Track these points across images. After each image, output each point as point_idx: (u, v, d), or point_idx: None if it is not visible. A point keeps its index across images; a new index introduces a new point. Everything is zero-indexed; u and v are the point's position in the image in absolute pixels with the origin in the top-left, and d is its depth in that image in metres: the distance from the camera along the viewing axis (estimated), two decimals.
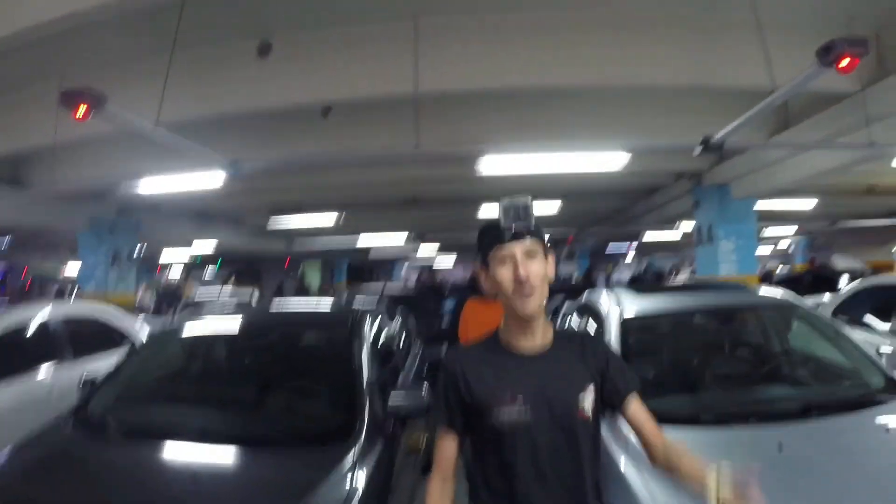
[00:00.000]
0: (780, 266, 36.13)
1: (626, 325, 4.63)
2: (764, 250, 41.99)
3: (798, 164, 10.26)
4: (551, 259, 2.17)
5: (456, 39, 6.72)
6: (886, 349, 4.81)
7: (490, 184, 12.11)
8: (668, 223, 18.89)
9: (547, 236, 2.15)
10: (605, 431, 3.67)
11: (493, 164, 8.47)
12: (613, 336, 4.53)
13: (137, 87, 6.62)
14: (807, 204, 16.41)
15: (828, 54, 4.55)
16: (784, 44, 6.37)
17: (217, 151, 7.20)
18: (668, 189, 15.30)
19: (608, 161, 8.60)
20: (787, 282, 17.23)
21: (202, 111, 7.33)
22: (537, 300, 2.09)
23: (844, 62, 4.54)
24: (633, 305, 4.92)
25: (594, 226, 24.27)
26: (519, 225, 2.12)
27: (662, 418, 3.60)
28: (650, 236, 23.95)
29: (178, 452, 3.51)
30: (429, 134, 7.81)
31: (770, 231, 26.72)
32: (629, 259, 42.10)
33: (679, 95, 8.46)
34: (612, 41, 6.76)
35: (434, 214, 19.02)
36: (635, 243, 31.72)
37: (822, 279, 16.21)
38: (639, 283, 23.59)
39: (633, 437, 3.39)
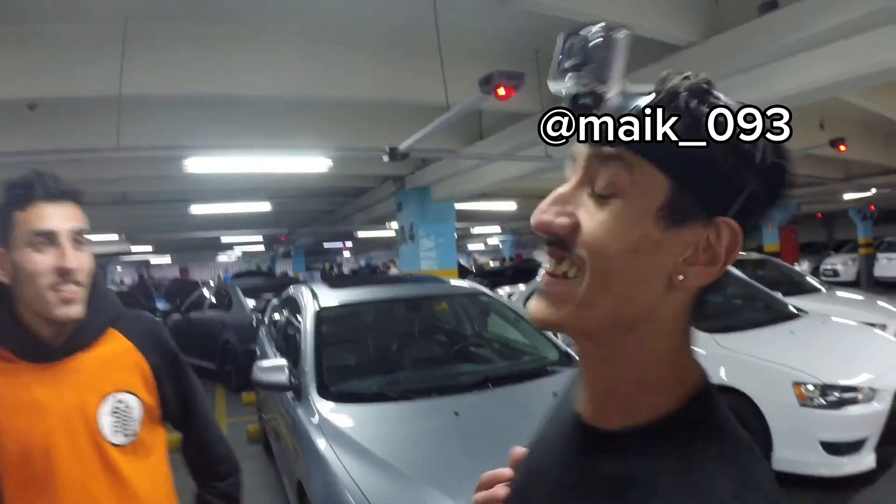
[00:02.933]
0: (492, 261, 39.19)
1: (319, 315, 4.99)
2: (478, 247, 45.35)
3: (491, 171, 11.27)
4: (706, 240, 0.77)
5: (164, 45, 6.74)
6: None
7: (198, 182, 12.17)
8: (378, 223, 19.77)
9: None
10: (302, 414, 4.08)
11: (199, 164, 8.55)
12: (309, 324, 4.87)
13: None
14: (508, 206, 17.99)
15: (488, 83, 5.25)
16: (468, 69, 7.05)
17: None
18: (375, 191, 16.14)
19: (311, 164, 9.05)
20: (493, 274, 18.72)
21: None
22: (572, 299, 0.79)
23: (501, 91, 5.25)
24: (327, 298, 5.34)
25: (306, 226, 24.89)
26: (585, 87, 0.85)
27: (358, 398, 4.14)
28: (364, 235, 24.80)
29: None
30: (131, 133, 7.74)
31: (480, 230, 29.08)
32: (347, 256, 43.40)
33: (377, 108, 9.08)
34: (313, 55, 7.14)
35: (145, 213, 18.50)
36: (349, 242, 32.70)
37: (524, 272, 17.81)
38: (346, 278, 24.63)
39: (333, 420, 3.83)
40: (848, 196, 21.30)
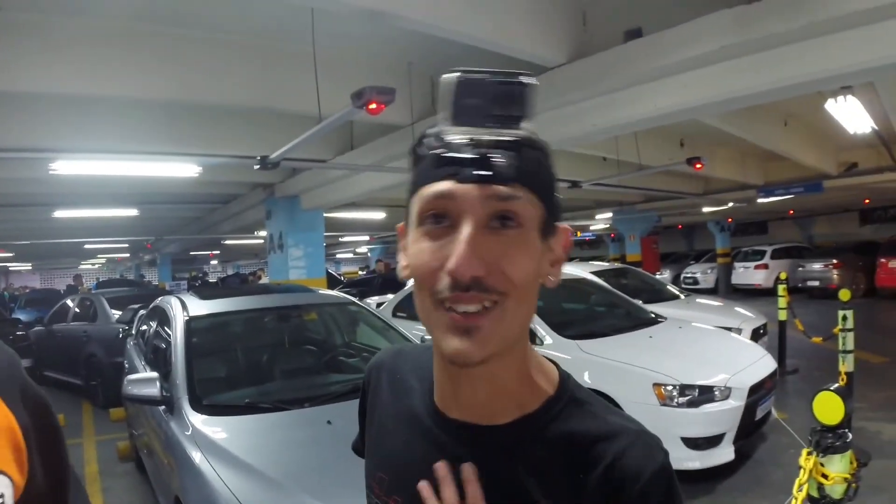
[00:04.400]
0: (360, 270, 39.46)
1: (189, 325, 5.00)
2: (347, 255, 45.40)
3: (361, 181, 11.36)
4: (562, 237, 0.96)
5: (37, 38, 6.40)
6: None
7: (63, 186, 11.78)
8: (247, 231, 19.57)
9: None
10: (175, 427, 4.08)
11: (67, 167, 8.29)
12: (179, 335, 4.87)
13: None
14: (377, 215, 18.46)
15: (359, 98, 5.39)
16: (342, 79, 7.24)
17: None
18: (244, 198, 15.96)
19: (181, 169, 8.93)
20: (361, 283, 18.79)
21: None
22: (496, 333, 0.87)
23: (373, 106, 5.41)
24: (196, 307, 5.34)
25: (173, 233, 24.35)
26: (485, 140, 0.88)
27: (231, 410, 4.16)
28: (232, 242, 24.45)
29: None
30: None
31: (349, 238, 29.39)
32: (214, 264, 42.65)
33: (249, 114, 9.05)
34: (183, 57, 7.05)
35: (4, 217, 17.53)
36: (217, 251, 32.15)
37: (391, 281, 17.96)
38: (214, 287, 24.21)
39: (207, 432, 3.85)
40: (707, 209, 22.60)
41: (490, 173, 0.84)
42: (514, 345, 0.92)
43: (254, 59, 7.40)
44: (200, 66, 7.14)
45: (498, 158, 0.84)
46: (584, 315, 8.05)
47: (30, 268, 44.27)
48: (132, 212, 15.50)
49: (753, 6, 5.14)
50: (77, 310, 12.34)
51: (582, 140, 8.95)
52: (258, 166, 7.85)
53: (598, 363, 6.07)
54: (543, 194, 0.89)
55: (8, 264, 39.68)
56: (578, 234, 34.96)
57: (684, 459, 5.46)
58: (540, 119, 4.09)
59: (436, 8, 5.46)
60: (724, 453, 5.60)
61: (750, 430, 5.96)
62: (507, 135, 0.86)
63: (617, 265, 12.39)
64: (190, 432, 3.91)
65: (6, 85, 6.43)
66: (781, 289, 9.87)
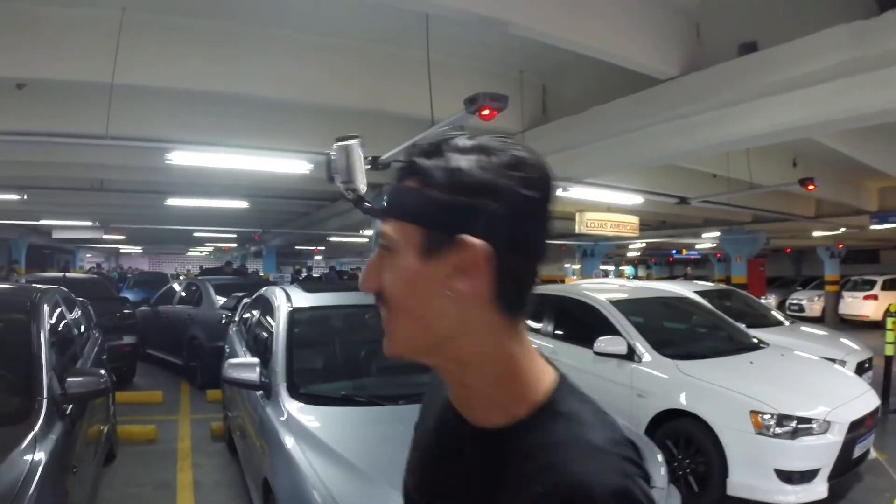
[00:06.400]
0: None
1: (292, 316, 5.13)
2: None
3: None
4: (464, 250, 0.93)
5: (160, 38, 6.80)
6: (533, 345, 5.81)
7: (177, 175, 12.21)
8: (353, 229, 19.85)
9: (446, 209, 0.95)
10: (271, 413, 4.18)
11: (183, 157, 8.62)
12: (282, 325, 4.99)
13: None
14: None
15: (472, 104, 5.41)
16: (454, 85, 7.29)
17: None
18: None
19: (292, 166, 9.14)
20: None
21: None
22: (393, 335, 1.02)
23: (486, 112, 5.43)
24: (300, 299, 5.48)
25: (280, 227, 25.07)
26: (344, 186, 1.32)
27: (327, 400, 4.23)
28: (337, 239, 24.83)
29: None
30: (119, 121, 7.79)
31: None
32: (318, 259, 43.51)
33: (361, 116, 9.21)
34: (301, 59, 7.29)
35: (121, 203, 18.45)
36: (321, 246, 32.76)
37: None
38: (317, 281, 24.64)
39: (301, 419, 3.93)
40: (817, 233, 21.69)
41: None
42: (445, 350, 1.00)
43: (368, 61, 7.55)
44: (316, 68, 7.35)
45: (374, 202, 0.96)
46: (685, 335, 7.86)
47: (140, 251, 46.10)
48: (242, 203, 15.96)
49: (872, 21, 4.95)
50: (183, 293, 12.82)
51: (692, 155, 8.80)
52: (369, 167, 7.98)
53: (696, 385, 5.90)
54: (419, 221, 0.96)
55: (119, 246, 41.42)
56: (684, 251, 34.18)
57: (775, 492, 5.28)
58: (650, 132, 4.09)
59: (547, 15, 5.45)
60: (818, 490, 5.36)
61: (846, 468, 5.67)
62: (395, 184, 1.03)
63: (721, 286, 12.04)
64: (285, 418, 4.01)
65: (130, 79, 6.76)
66: (891, 322, 9.40)
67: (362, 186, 0.90)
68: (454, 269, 0.94)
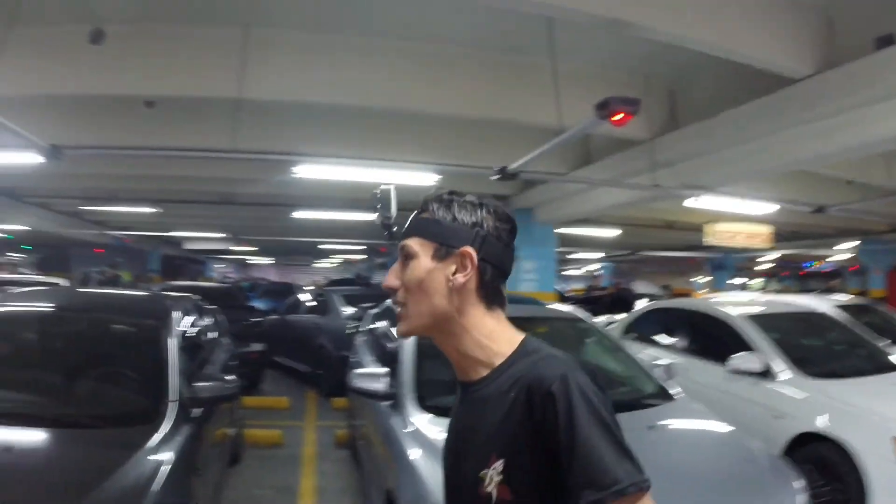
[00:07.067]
0: (588, 288, 38.83)
1: None
2: (574, 272, 45.03)
3: (596, 196, 11.18)
4: (459, 261, 1.41)
5: (284, 52, 6.95)
6: (663, 361, 5.53)
7: (303, 187, 12.43)
8: None
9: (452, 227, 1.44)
10: (397, 424, 4.08)
11: (309, 171, 8.74)
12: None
13: None
14: (610, 233, 17.91)
15: (604, 108, 5.19)
16: (579, 92, 7.07)
17: (32, 131, 6.99)
18: None
19: (419, 178, 9.08)
20: (591, 301, 18.54)
21: (30, 90, 7.07)
22: (407, 316, 1.46)
23: (618, 116, 5.19)
24: None
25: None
26: (378, 220, 1.86)
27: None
28: None
29: None
30: (247, 134, 7.97)
31: (580, 255, 29.07)
32: None
33: (486, 126, 9.11)
34: (426, 71, 7.29)
35: (249, 215, 19.04)
36: None
37: (621, 300, 17.53)
38: None
39: (428, 432, 3.83)
40: None
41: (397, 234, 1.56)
42: (442, 325, 1.43)
43: (490, 70, 7.49)
44: (440, 78, 7.34)
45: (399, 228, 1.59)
46: (823, 353, 7.31)
47: (271, 262, 47.67)
48: (371, 216, 16.09)
49: None
50: (311, 303, 13.04)
51: (828, 159, 8.24)
52: (497, 177, 7.86)
53: (834, 406, 5.47)
54: (435, 239, 1.44)
55: (246, 257, 42.96)
56: (819, 262, 32.45)
57: None
58: (784, 136, 3.72)
59: (673, 15, 5.24)
60: None
61: None
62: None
63: (859, 301, 11.26)
64: (412, 430, 3.93)
65: (255, 94, 6.91)
66: None
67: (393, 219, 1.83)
68: (456, 268, 1.41)
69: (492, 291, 1.45)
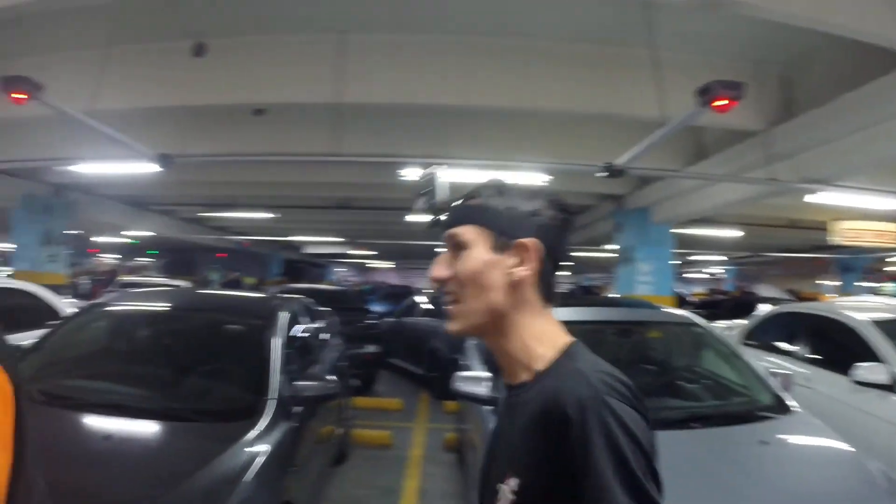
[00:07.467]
0: (708, 292, 37.47)
1: None
2: (693, 275, 43.61)
3: (713, 193, 10.74)
4: (521, 247, 1.29)
5: (382, 55, 7.02)
6: (781, 370, 5.21)
7: (412, 192, 12.49)
8: (594, 243, 19.53)
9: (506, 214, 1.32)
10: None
11: (415, 174, 8.77)
12: None
13: (77, 74, 6.77)
14: (731, 234, 17.26)
15: (705, 94, 4.93)
16: (683, 81, 6.71)
17: (150, 142, 7.31)
18: (593, 210, 15.96)
19: (529, 178, 8.92)
20: (710, 305, 17.92)
21: (138, 103, 7.45)
22: (461, 313, 1.32)
23: (720, 102, 4.93)
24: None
25: None
26: (423, 205, 1.72)
27: None
28: (578, 255, 24.61)
29: (95, 423, 3.64)
30: (352, 139, 8.05)
31: (701, 257, 28.05)
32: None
33: (590, 121, 8.90)
34: (525, 69, 7.19)
35: (367, 219, 19.45)
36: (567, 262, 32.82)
37: (744, 305, 16.85)
38: (565, 297, 24.43)
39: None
40: None
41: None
42: (496, 324, 1.31)
43: (591, 64, 7.34)
44: (538, 75, 7.24)
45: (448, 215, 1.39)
46: None
47: (391, 266, 48.49)
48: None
49: None
50: (426, 306, 13.13)
51: None
52: (605, 173, 7.59)
53: None
54: (493, 227, 1.31)
55: (365, 261, 43.83)
56: None
57: None
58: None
59: None
60: None
61: None
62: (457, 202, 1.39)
63: None
64: None
65: (357, 98, 6.99)
66: None
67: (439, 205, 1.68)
68: (517, 260, 1.29)
69: (549, 287, 1.33)
